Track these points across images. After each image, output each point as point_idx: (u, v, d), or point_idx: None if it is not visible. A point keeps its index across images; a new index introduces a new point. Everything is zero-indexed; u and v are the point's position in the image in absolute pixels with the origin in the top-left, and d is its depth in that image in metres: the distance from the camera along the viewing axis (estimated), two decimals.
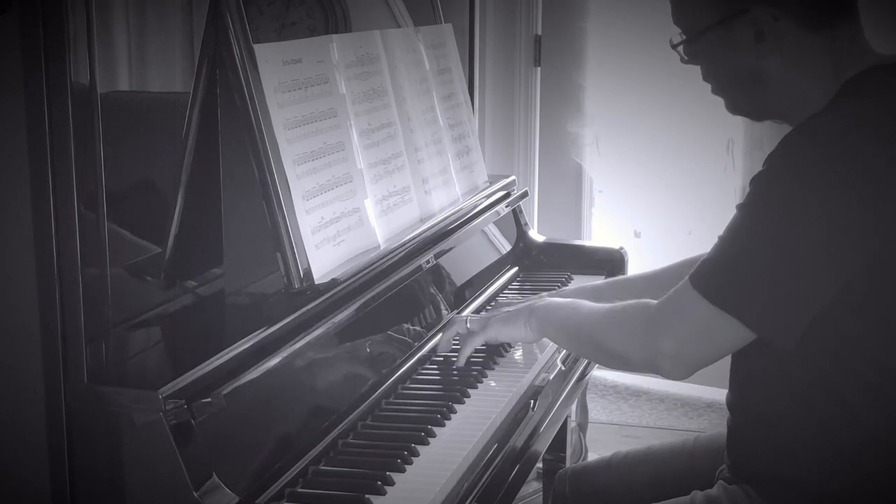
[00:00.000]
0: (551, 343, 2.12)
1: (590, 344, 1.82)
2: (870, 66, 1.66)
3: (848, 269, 1.56)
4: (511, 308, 1.99)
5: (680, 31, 1.74)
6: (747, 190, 1.64)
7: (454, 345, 2.04)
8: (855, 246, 1.55)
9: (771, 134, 3.84)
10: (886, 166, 1.55)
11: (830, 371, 1.63)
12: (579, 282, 2.63)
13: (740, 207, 1.62)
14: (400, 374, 1.94)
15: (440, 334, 2.06)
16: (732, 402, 1.78)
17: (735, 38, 1.66)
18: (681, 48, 1.75)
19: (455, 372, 1.99)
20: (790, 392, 1.67)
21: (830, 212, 1.54)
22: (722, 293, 1.59)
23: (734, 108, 1.77)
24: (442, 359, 2.04)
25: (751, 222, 1.60)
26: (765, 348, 1.63)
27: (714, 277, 1.60)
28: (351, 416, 1.76)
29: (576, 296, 2.09)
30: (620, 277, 2.35)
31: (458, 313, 2.21)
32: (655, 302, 1.69)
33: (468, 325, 2.00)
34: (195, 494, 1.38)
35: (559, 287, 2.55)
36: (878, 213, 1.54)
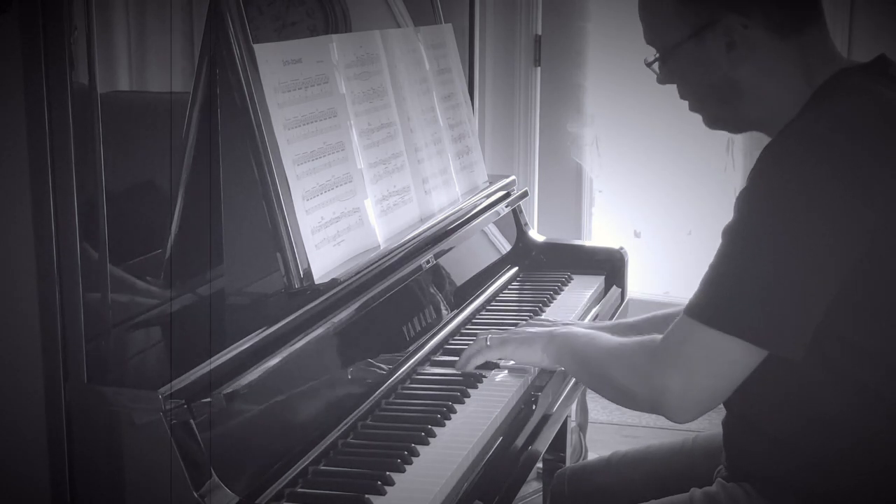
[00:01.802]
0: None
1: (599, 378, 1.80)
2: (837, 71, 1.67)
3: (843, 268, 1.55)
4: (532, 329, 1.98)
5: (654, 51, 1.75)
6: (733, 210, 1.62)
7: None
8: (847, 244, 1.54)
9: None
10: (869, 162, 1.55)
11: (825, 371, 1.63)
12: (579, 281, 2.63)
13: (728, 230, 1.60)
14: (400, 374, 1.94)
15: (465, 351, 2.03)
16: (729, 402, 1.78)
17: (707, 49, 1.67)
18: (656, 67, 1.75)
19: (455, 372, 1.99)
20: (786, 392, 1.67)
21: (821, 212, 1.54)
22: (726, 317, 1.56)
23: (712, 122, 1.78)
24: (442, 359, 2.04)
25: (743, 240, 1.58)
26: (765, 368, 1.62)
27: (714, 303, 1.58)
28: (351, 416, 1.76)
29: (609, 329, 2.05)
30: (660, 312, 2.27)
31: (453, 317, 2.21)
32: (660, 337, 1.67)
33: (488, 342, 1.98)
34: (195, 494, 1.38)
35: (559, 287, 2.56)
36: (867, 210, 1.53)
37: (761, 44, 1.66)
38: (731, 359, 1.58)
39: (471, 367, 1.97)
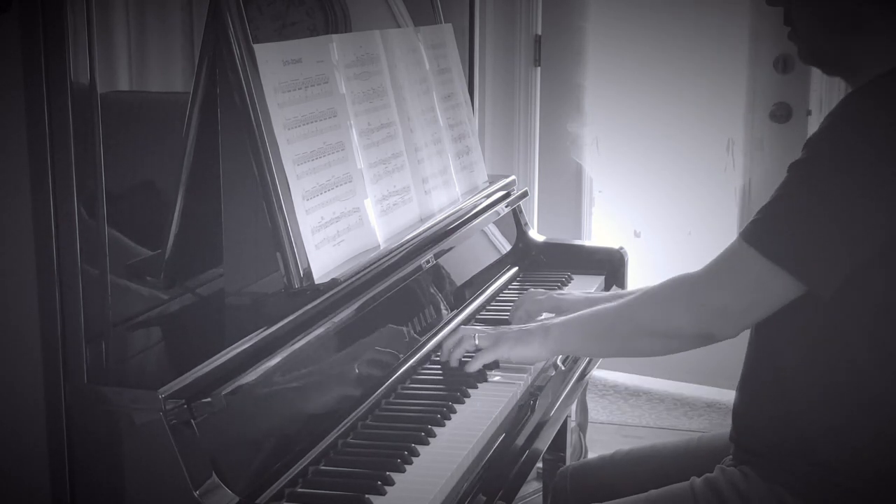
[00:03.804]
0: None
1: (630, 334, 1.82)
2: None
3: (894, 225, 1.59)
4: (523, 327, 1.97)
5: None
6: (802, 150, 1.66)
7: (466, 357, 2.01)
8: None
9: (771, 133, 3.84)
10: None
11: (847, 331, 1.66)
12: (579, 282, 2.63)
13: (794, 166, 1.66)
14: (400, 374, 1.94)
15: (445, 342, 2.02)
16: (746, 368, 1.81)
17: None
18: None
19: (455, 372, 1.98)
20: (803, 354, 1.70)
21: (886, 167, 1.57)
22: (775, 247, 1.63)
23: (809, 55, 1.78)
24: (442, 359, 2.03)
25: (805, 178, 1.64)
26: (788, 306, 1.67)
27: (768, 232, 1.65)
28: (351, 416, 1.76)
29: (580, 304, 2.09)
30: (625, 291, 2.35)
31: (453, 317, 2.21)
32: (696, 271, 1.73)
33: (476, 341, 1.97)
34: (195, 494, 1.38)
35: (559, 287, 2.56)
36: None
37: None
38: (772, 286, 1.65)
39: (474, 370, 1.96)
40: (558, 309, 2.12)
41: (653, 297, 1.79)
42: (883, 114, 1.61)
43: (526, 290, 2.55)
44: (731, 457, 1.84)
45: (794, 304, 1.67)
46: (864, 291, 1.64)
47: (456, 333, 2.02)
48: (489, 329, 2.00)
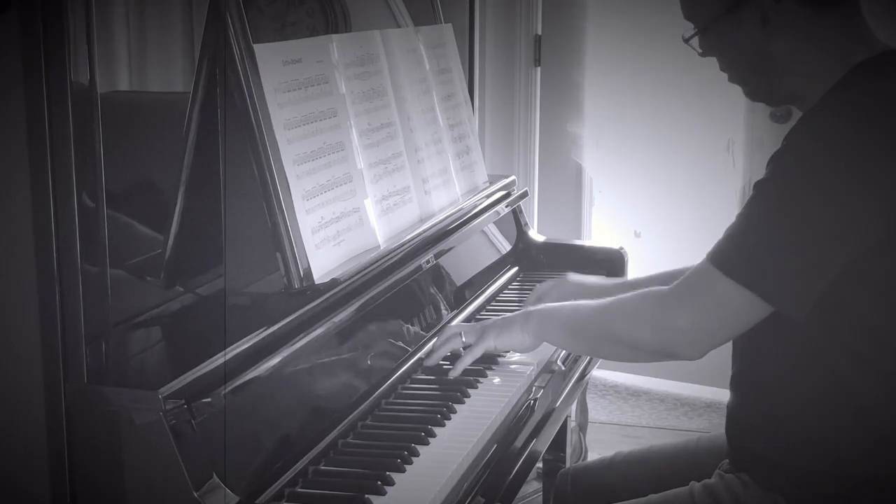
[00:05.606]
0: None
1: (598, 337, 1.81)
2: (884, 49, 1.68)
3: (863, 240, 1.58)
4: (505, 315, 1.97)
5: (693, 25, 1.77)
6: (766, 168, 1.65)
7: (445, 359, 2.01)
8: (870, 218, 1.57)
9: (771, 133, 3.84)
10: None
11: (826, 343, 1.65)
12: None
13: (758, 184, 1.64)
14: (400, 374, 1.94)
15: (433, 343, 2.02)
16: (734, 379, 1.80)
17: (742, 24, 1.69)
18: (694, 42, 1.78)
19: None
20: (787, 365, 1.69)
21: (850, 182, 1.56)
22: (740, 268, 1.61)
23: (752, 94, 1.80)
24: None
25: (769, 197, 1.62)
26: (768, 321, 1.65)
27: (732, 253, 1.62)
28: (351, 416, 1.76)
29: (580, 290, 2.10)
30: (629, 279, 2.35)
31: (453, 317, 2.21)
32: (667, 287, 1.71)
33: (463, 337, 1.96)
34: (195, 494, 1.38)
35: None
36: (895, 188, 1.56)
37: (795, 17, 1.67)
38: (738, 307, 1.63)
39: (458, 372, 1.94)
40: (579, 295, 2.12)
41: (623, 308, 1.76)
42: (842, 128, 1.59)
43: (526, 290, 2.55)
44: (727, 461, 1.84)
45: (772, 320, 1.64)
46: (840, 307, 1.62)
47: (442, 334, 2.00)
48: (473, 324, 2.01)
